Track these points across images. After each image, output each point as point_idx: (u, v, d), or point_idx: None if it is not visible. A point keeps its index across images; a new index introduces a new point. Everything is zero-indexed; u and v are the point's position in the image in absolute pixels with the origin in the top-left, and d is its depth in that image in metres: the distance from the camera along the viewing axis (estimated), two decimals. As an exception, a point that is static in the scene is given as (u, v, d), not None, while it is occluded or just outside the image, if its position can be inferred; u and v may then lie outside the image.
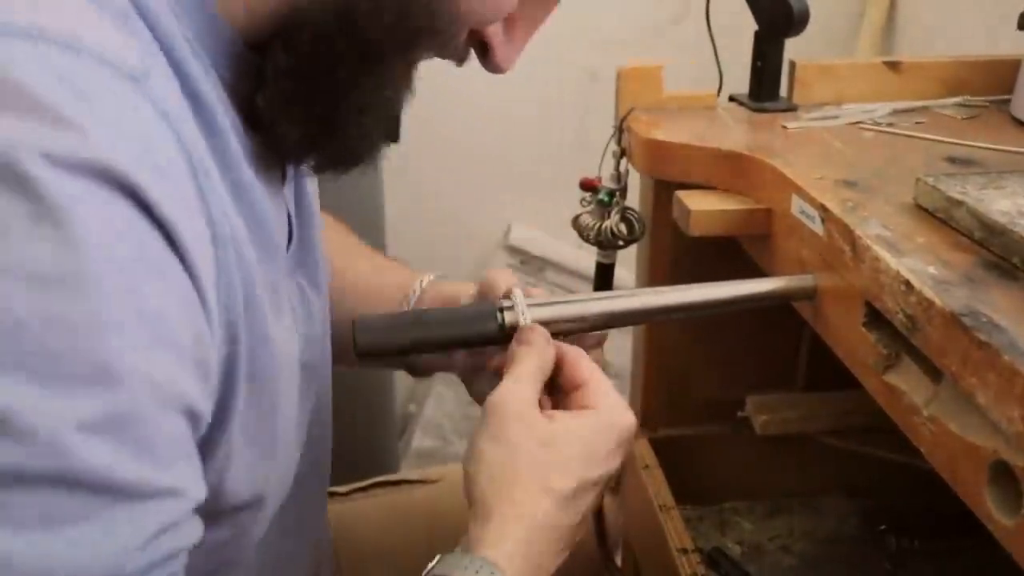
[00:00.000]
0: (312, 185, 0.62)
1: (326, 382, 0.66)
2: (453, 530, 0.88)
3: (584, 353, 0.57)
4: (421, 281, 0.73)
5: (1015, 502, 0.40)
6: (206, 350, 0.41)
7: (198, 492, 0.41)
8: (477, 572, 0.47)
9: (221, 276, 0.43)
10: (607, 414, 0.54)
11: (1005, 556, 0.42)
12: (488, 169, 1.68)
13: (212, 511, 0.45)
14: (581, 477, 0.52)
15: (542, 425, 0.52)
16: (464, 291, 0.69)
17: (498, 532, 0.49)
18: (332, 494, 0.92)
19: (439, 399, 1.74)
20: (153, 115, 0.39)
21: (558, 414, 0.54)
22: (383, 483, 0.94)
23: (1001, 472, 0.41)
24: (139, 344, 0.37)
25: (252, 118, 0.49)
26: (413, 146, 1.49)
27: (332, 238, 0.76)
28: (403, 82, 0.51)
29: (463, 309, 0.60)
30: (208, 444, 0.44)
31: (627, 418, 0.55)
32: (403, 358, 0.70)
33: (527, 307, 0.57)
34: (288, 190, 0.56)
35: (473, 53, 0.56)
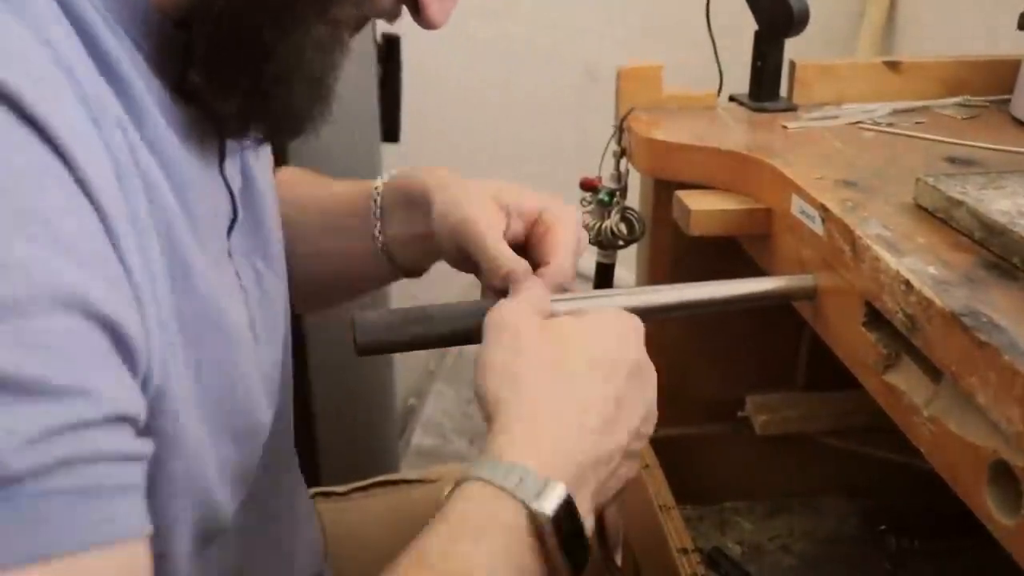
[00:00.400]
0: (262, 167, 0.62)
1: (286, 368, 0.65)
2: None
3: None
4: (380, 178, 0.71)
5: (1015, 502, 0.40)
6: (116, 270, 0.40)
7: (118, 402, 0.39)
8: (521, 479, 0.45)
9: (131, 212, 0.42)
10: (606, 310, 0.55)
11: (1005, 556, 0.42)
12: (488, 169, 1.67)
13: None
14: (592, 356, 0.51)
15: (541, 323, 0.52)
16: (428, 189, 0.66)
17: (519, 429, 0.48)
18: (330, 494, 0.92)
19: (439, 397, 1.74)
20: (33, 41, 0.39)
21: (556, 318, 0.54)
22: (382, 483, 0.94)
23: (1001, 472, 0.41)
24: (24, 238, 0.36)
25: (188, 96, 0.49)
26: (413, 146, 1.49)
27: (295, 179, 0.77)
28: (330, 44, 0.50)
29: (463, 305, 0.60)
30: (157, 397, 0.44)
31: (628, 316, 0.54)
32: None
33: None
34: (231, 170, 0.56)
35: (406, 9, 0.55)
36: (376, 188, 0.70)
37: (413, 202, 0.67)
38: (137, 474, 0.40)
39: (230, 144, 0.55)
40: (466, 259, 0.63)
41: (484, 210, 0.62)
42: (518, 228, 0.63)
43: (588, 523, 0.47)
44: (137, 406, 0.40)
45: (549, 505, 0.44)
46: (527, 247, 0.63)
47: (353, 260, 0.71)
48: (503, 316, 0.52)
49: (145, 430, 0.41)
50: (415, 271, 0.72)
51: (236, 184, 0.56)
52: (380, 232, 0.69)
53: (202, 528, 0.51)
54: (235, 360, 0.52)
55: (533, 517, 0.44)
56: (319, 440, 1.28)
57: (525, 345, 0.51)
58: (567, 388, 0.50)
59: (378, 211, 0.69)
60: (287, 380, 0.65)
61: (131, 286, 0.41)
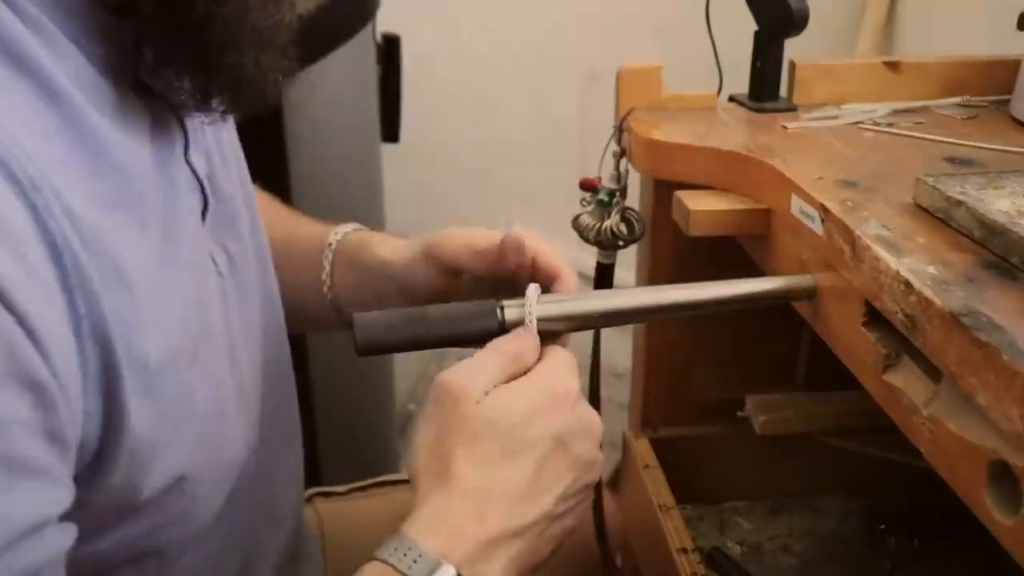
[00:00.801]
0: (223, 142, 0.61)
1: (276, 346, 0.65)
2: None
3: (557, 347, 0.57)
4: (335, 233, 0.72)
5: (1014, 502, 0.40)
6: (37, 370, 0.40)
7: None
8: (415, 560, 0.46)
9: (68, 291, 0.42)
10: (540, 376, 0.54)
11: (1005, 556, 0.42)
12: (488, 169, 1.68)
13: (124, 505, 0.46)
14: (510, 436, 0.51)
15: (473, 400, 0.52)
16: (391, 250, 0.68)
17: (428, 509, 0.49)
18: (329, 494, 0.92)
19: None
20: None
21: (494, 389, 0.53)
22: (382, 483, 0.94)
23: (1000, 472, 0.41)
24: None
25: (145, 88, 0.49)
26: (413, 146, 1.49)
27: (262, 205, 0.76)
28: (271, 6, 0.49)
29: (463, 306, 0.60)
30: (105, 448, 0.44)
31: (564, 381, 0.54)
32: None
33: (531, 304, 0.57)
34: (197, 158, 0.55)
35: None
36: (329, 244, 0.71)
37: (361, 266, 0.69)
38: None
39: (194, 131, 0.55)
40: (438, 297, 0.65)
41: (449, 229, 0.65)
42: (483, 260, 0.64)
43: None
44: (64, 500, 0.42)
45: None
46: (520, 279, 0.63)
47: (302, 300, 0.72)
48: (445, 383, 0.52)
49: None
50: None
51: (203, 170, 0.56)
52: (328, 288, 0.71)
53: (181, 529, 0.52)
54: (202, 364, 0.52)
55: None
56: (319, 440, 1.28)
57: (452, 425, 0.51)
58: (481, 470, 0.50)
59: (328, 265, 0.71)
60: (277, 359, 0.65)
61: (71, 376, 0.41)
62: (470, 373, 0.53)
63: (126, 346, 0.44)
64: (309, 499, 0.92)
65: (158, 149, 0.51)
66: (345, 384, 1.29)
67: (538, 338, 0.56)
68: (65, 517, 0.43)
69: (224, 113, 0.52)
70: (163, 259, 0.48)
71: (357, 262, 0.70)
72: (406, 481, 0.94)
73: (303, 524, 0.75)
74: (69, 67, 0.44)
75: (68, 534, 0.43)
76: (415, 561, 0.46)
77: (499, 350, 0.55)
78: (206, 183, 0.56)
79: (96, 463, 0.45)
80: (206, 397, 0.52)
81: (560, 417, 0.53)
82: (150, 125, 0.50)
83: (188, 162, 0.54)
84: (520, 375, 0.54)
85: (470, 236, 0.64)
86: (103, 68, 0.47)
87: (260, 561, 0.64)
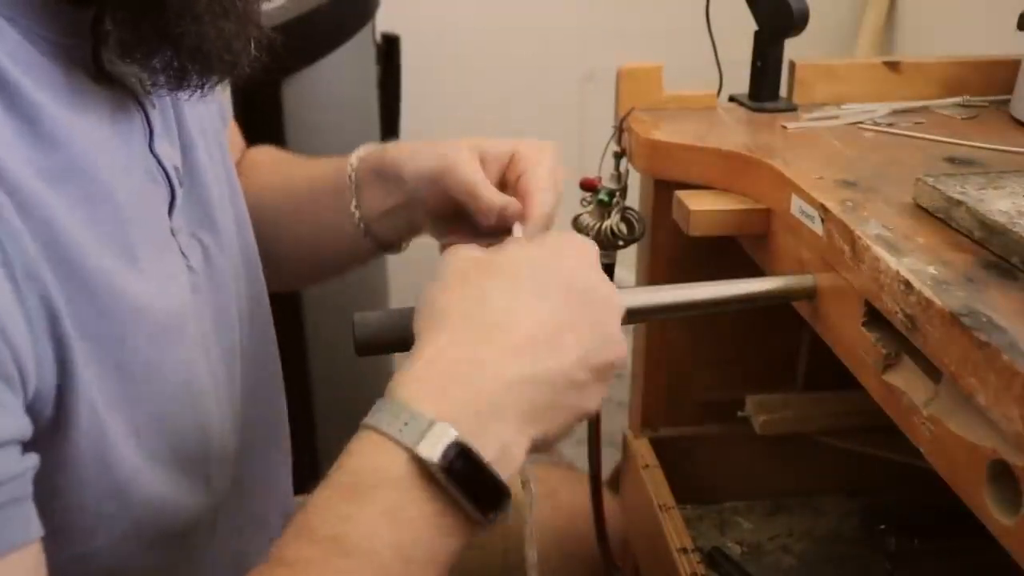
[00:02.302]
0: (205, 134, 0.60)
1: (260, 342, 0.64)
2: None
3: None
4: (354, 157, 0.70)
5: (1014, 501, 0.40)
6: None
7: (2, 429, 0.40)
8: (406, 423, 0.42)
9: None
10: (561, 236, 0.51)
11: (1005, 556, 0.42)
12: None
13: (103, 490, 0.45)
14: (527, 277, 0.47)
15: (481, 256, 0.49)
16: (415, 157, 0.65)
17: (420, 369, 0.44)
18: None
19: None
20: None
21: (504, 245, 0.51)
22: None
23: (1000, 472, 0.41)
24: None
25: (108, 76, 0.48)
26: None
27: (271, 159, 0.77)
28: None
29: None
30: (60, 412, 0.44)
31: (586, 244, 0.51)
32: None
33: None
34: (164, 149, 0.54)
35: None
36: (351, 164, 0.70)
37: (384, 174, 0.68)
38: (21, 487, 0.40)
39: (165, 122, 0.54)
40: (450, 215, 0.63)
41: (462, 157, 0.62)
42: (493, 172, 0.63)
43: (514, 458, 0.44)
44: (22, 427, 0.41)
45: (435, 450, 0.41)
46: (504, 190, 0.62)
47: (332, 237, 0.71)
48: (447, 257, 0.50)
49: (33, 444, 0.42)
50: (393, 245, 0.72)
51: (173, 160, 0.55)
52: (356, 207, 0.69)
53: (154, 525, 0.51)
54: (170, 349, 0.50)
55: (420, 463, 0.41)
56: (319, 440, 1.28)
57: (454, 280, 0.48)
58: (490, 313, 0.46)
59: (353, 187, 0.69)
60: (258, 354, 0.64)
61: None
62: (468, 246, 0.51)
63: (72, 312, 0.43)
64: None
65: (118, 138, 0.50)
66: (345, 384, 1.29)
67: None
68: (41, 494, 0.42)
69: (197, 88, 0.51)
70: (116, 245, 0.47)
71: (379, 172, 0.68)
72: None
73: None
74: (4, 45, 0.44)
75: (30, 460, 0.41)
76: (406, 423, 0.42)
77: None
78: (173, 174, 0.54)
79: (55, 422, 0.44)
80: (176, 383, 0.51)
81: (588, 268, 0.50)
82: (110, 114, 0.50)
83: (153, 152, 0.53)
84: None
85: (473, 183, 0.60)
86: (52, 54, 0.46)
87: (249, 558, 0.63)
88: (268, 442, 0.67)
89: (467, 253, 0.50)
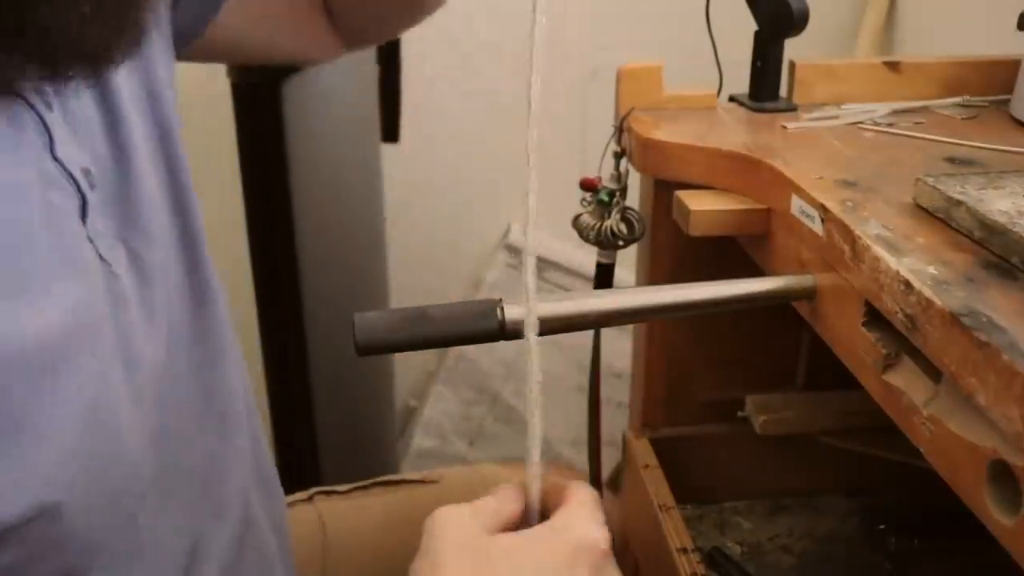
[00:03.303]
0: (142, 134, 0.58)
1: (211, 341, 0.63)
2: None
3: (580, 484, 0.52)
4: None
5: (1014, 502, 0.40)
6: None
7: None
8: None
9: None
10: (564, 529, 0.48)
11: (1005, 556, 0.42)
12: (488, 169, 1.68)
13: None
14: None
15: (476, 538, 0.47)
16: None
17: None
18: (331, 492, 0.92)
19: (439, 398, 1.74)
20: None
21: (502, 534, 0.48)
22: (384, 482, 0.94)
23: (1000, 472, 0.41)
24: None
25: None
26: (412, 146, 1.49)
27: None
28: None
29: (464, 305, 0.60)
30: None
31: (590, 532, 0.47)
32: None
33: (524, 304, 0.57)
34: (73, 154, 0.51)
35: None
36: None
37: None
38: None
39: (62, 121, 0.51)
40: None
41: None
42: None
43: None
44: None
45: None
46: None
47: (296, 20, 0.72)
48: (437, 528, 0.48)
49: None
50: None
51: (82, 163, 0.52)
52: None
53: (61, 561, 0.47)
54: (94, 363, 0.48)
55: None
56: (319, 440, 1.28)
57: (444, 557, 0.46)
58: None
59: None
60: (208, 356, 0.63)
61: None
62: (459, 509, 0.48)
63: None
64: (310, 498, 0.92)
65: (6, 148, 0.47)
66: (345, 383, 1.29)
67: (557, 478, 0.51)
68: None
69: (66, 81, 0.47)
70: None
71: None
72: (408, 481, 0.94)
73: (272, 521, 0.72)
74: None
75: None
76: None
77: (500, 496, 0.50)
78: (82, 179, 0.52)
79: None
80: (76, 408, 0.47)
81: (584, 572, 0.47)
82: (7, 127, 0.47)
83: (56, 159, 0.50)
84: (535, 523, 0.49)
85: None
86: None
87: (205, 558, 0.62)
88: (216, 431, 0.65)
89: (463, 534, 0.48)
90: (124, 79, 0.56)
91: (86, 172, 0.52)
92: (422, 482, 0.94)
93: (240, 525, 0.65)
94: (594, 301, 0.60)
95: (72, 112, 0.53)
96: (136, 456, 0.51)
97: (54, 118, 0.50)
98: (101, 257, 0.51)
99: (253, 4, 0.75)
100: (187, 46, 0.71)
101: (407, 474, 0.96)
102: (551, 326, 0.57)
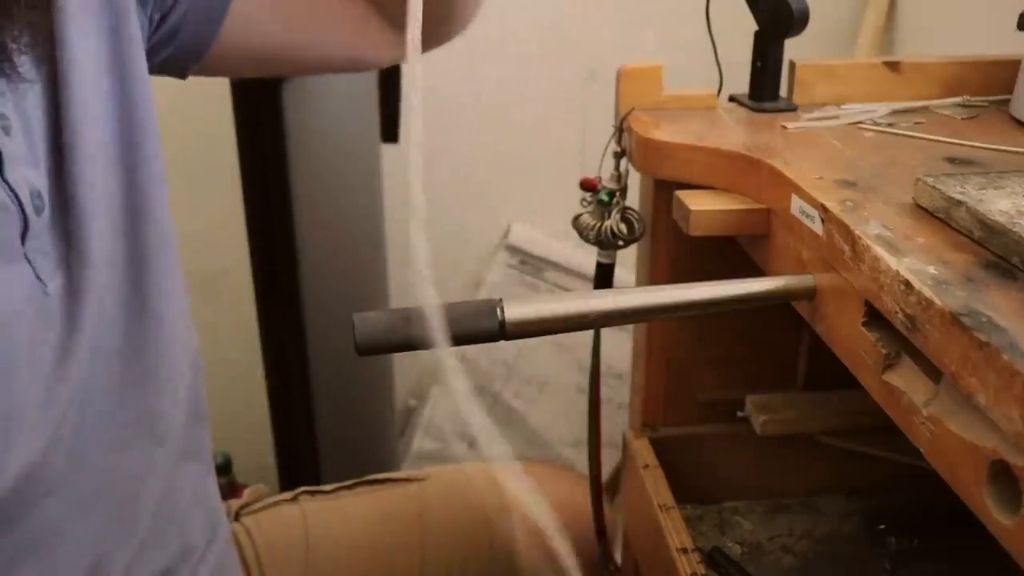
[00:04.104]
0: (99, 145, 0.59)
1: (147, 358, 0.63)
2: (440, 528, 0.87)
3: None
4: None
5: (1014, 502, 0.40)
6: None
7: None
8: None
9: None
10: None
11: (1005, 556, 0.42)
12: (488, 169, 1.68)
13: None
14: None
15: None
16: None
17: None
18: (316, 492, 0.92)
19: (439, 399, 1.74)
20: None
21: None
22: (369, 481, 0.93)
23: (1000, 472, 0.41)
24: None
25: None
26: (413, 146, 1.48)
27: None
28: None
29: (464, 305, 0.60)
30: None
31: None
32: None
33: (524, 304, 0.57)
34: (24, 171, 0.53)
35: None
36: None
37: None
38: None
39: (15, 141, 0.53)
40: None
41: None
42: None
43: None
44: None
45: None
46: None
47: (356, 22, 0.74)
48: None
49: None
50: None
51: (33, 184, 0.54)
52: None
53: None
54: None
55: None
56: (319, 440, 1.28)
57: None
58: None
59: None
60: (140, 379, 0.63)
61: None
62: None
63: None
64: (295, 497, 0.92)
65: None
66: (345, 383, 1.29)
67: None
68: None
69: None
70: None
71: None
72: (393, 480, 0.94)
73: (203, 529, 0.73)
74: None
75: None
76: None
77: None
78: (28, 202, 0.53)
79: None
80: None
81: None
82: None
83: (5, 180, 0.52)
84: None
85: None
86: None
87: (113, 557, 0.62)
88: (143, 449, 0.65)
89: None
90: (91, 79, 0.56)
91: (35, 195, 0.53)
92: (407, 480, 0.94)
93: (149, 540, 0.65)
94: (594, 301, 0.60)
95: (31, 127, 0.53)
96: (36, 457, 0.54)
97: (7, 141, 0.52)
98: (38, 277, 0.53)
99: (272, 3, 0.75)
100: (201, 58, 0.71)
101: (392, 473, 0.96)
102: (551, 326, 0.57)
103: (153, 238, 0.64)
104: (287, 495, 0.92)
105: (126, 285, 0.62)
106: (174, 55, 0.70)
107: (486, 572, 0.89)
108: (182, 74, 0.74)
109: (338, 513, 0.89)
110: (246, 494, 0.93)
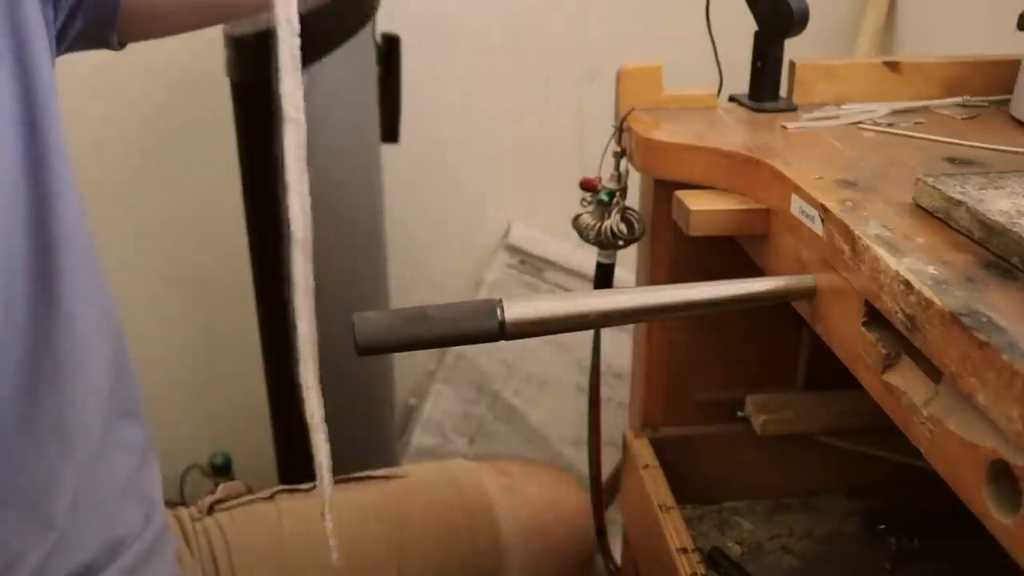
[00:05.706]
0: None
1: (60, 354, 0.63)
2: (420, 525, 0.86)
3: None
4: None
5: (1014, 501, 0.40)
6: None
7: None
8: None
9: None
10: None
11: (1005, 556, 0.42)
12: (488, 169, 1.68)
13: None
14: None
15: None
16: None
17: None
18: (294, 490, 0.92)
19: (439, 397, 1.74)
20: None
21: None
22: (349, 479, 0.93)
23: (1000, 471, 0.41)
24: None
25: None
26: (412, 146, 1.49)
27: None
28: None
29: (464, 305, 0.60)
30: None
31: None
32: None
33: (524, 304, 0.57)
34: None
35: None
36: None
37: None
38: None
39: None
40: None
41: None
42: None
43: None
44: None
45: None
46: None
47: None
48: None
49: None
50: None
51: None
52: None
53: None
54: None
55: None
56: (319, 440, 1.28)
57: None
58: None
59: None
60: (45, 383, 0.63)
61: None
62: None
63: None
64: (272, 496, 0.91)
65: None
66: (345, 383, 1.29)
67: None
68: None
69: None
70: None
71: None
72: (373, 477, 0.94)
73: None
74: None
75: None
76: None
77: None
78: None
79: None
80: None
81: None
82: None
83: None
84: None
85: None
86: None
87: (25, 556, 0.62)
88: (56, 452, 0.65)
89: None
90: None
91: None
92: (386, 478, 0.93)
93: (66, 538, 0.64)
94: (594, 301, 0.60)
95: None
96: None
97: None
98: None
99: None
100: (113, 22, 0.70)
101: (372, 471, 0.95)
102: (551, 326, 0.57)
103: (62, 234, 0.63)
104: (264, 493, 0.92)
105: (28, 289, 0.61)
106: (87, 25, 0.68)
107: (466, 570, 0.89)
108: (108, 43, 0.72)
109: (315, 511, 0.89)
110: (220, 490, 0.92)
